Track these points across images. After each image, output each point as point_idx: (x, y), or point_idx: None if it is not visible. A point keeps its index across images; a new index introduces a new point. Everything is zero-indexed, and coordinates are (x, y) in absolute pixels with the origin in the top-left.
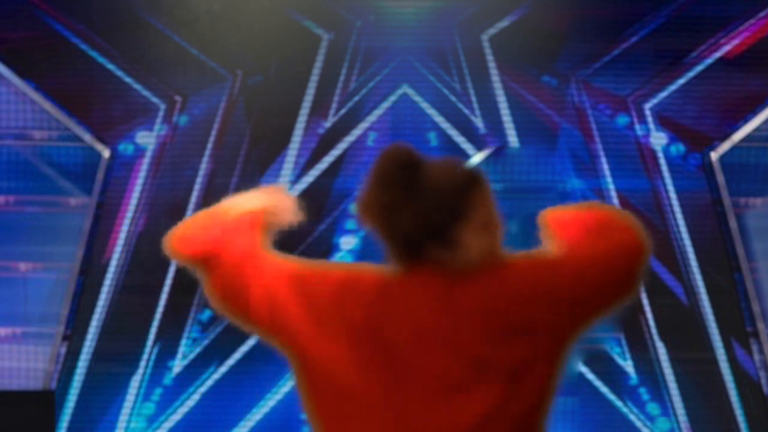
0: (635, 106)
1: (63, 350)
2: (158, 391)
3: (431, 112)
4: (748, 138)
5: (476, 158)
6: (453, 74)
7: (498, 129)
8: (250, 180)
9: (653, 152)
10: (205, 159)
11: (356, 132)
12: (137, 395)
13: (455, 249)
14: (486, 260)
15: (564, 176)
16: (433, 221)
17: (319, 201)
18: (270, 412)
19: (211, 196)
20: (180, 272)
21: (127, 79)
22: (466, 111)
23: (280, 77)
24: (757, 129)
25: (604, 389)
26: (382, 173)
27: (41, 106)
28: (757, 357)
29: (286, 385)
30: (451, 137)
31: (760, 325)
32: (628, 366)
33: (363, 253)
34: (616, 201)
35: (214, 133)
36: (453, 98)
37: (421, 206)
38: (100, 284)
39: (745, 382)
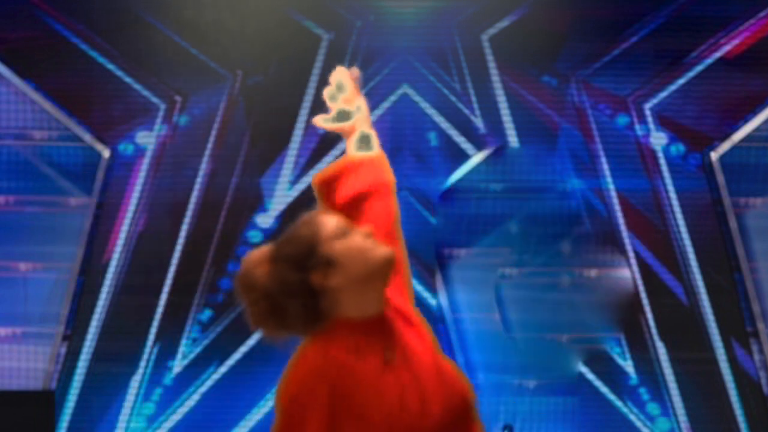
0: (635, 106)
1: (63, 350)
2: (158, 391)
3: (431, 112)
4: (748, 138)
5: (476, 158)
6: (453, 74)
7: (498, 129)
8: (250, 180)
9: (653, 152)
10: (205, 159)
11: None
12: (137, 395)
13: None
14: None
15: (564, 176)
16: None
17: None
18: (270, 412)
19: (211, 196)
20: (180, 272)
21: (127, 79)
22: (466, 111)
23: (280, 77)
24: (757, 129)
25: (604, 389)
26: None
27: (41, 106)
28: (757, 357)
29: None
30: (451, 137)
31: (760, 325)
32: (628, 366)
33: None
34: (616, 201)
35: (214, 133)
36: (453, 98)
37: None
38: (100, 284)
39: (745, 382)
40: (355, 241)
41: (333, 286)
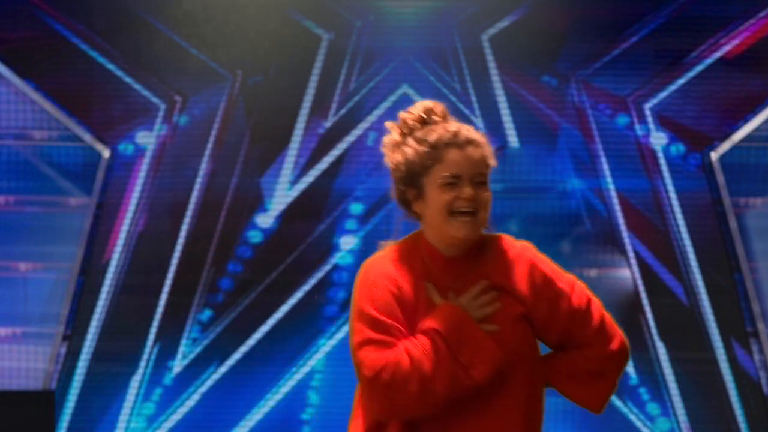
0: (635, 106)
1: (63, 350)
2: (158, 391)
3: None
4: (748, 138)
5: None
6: (453, 74)
7: (498, 129)
8: (250, 180)
9: (653, 152)
10: (205, 159)
11: (356, 132)
12: (137, 395)
13: None
14: None
15: (564, 176)
16: None
17: (319, 201)
18: (270, 412)
19: (211, 196)
20: (180, 272)
21: (127, 79)
22: (466, 111)
23: (280, 77)
24: (757, 129)
25: None
26: None
27: (41, 106)
28: (757, 357)
29: (286, 385)
30: None
31: (760, 325)
32: (628, 366)
33: (363, 253)
34: (616, 201)
35: (214, 133)
36: (453, 98)
37: None
38: (100, 284)
39: (745, 382)
40: (455, 204)
41: (416, 210)
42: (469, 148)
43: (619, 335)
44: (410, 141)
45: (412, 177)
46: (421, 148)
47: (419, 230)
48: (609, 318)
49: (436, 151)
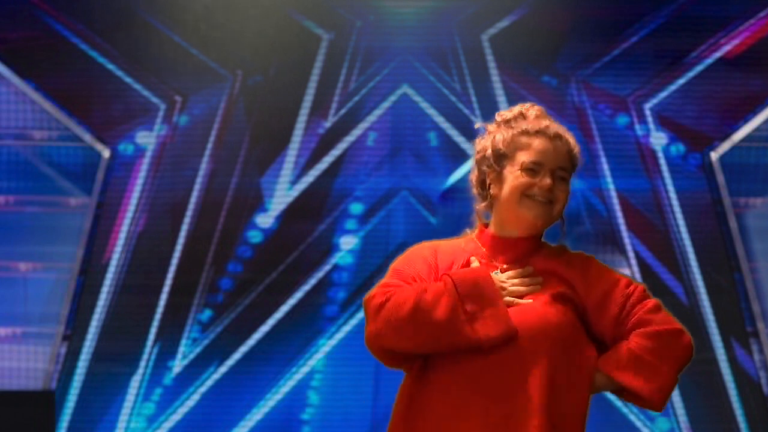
0: (635, 106)
1: (63, 350)
2: (158, 391)
3: (431, 112)
4: (748, 138)
5: None
6: (453, 74)
7: None
8: (250, 180)
9: (653, 152)
10: (205, 159)
11: (356, 132)
12: (137, 395)
13: None
14: None
15: None
16: None
17: (319, 201)
18: (270, 412)
19: (211, 196)
20: (180, 272)
21: (127, 79)
22: (466, 111)
23: (280, 77)
24: (757, 129)
25: None
26: None
27: (41, 106)
28: (757, 357)
29: (286, 385)
30: (451, 137)
31: (760, 325)
32: None
33: (363, 253)
34: (616, 201)
35: (214, 133)
36: (453, 98)
37: None
38: (100, 284)
39: (745, 382)
40: (532, 190)
41: (492, 192)
42: (557, 142)
43: (679, 325)
44: (502, 127)
45: (497, 158)
46: (511, 132)
47: (484, 222)
48: (671, 315)
49: (525, 137)
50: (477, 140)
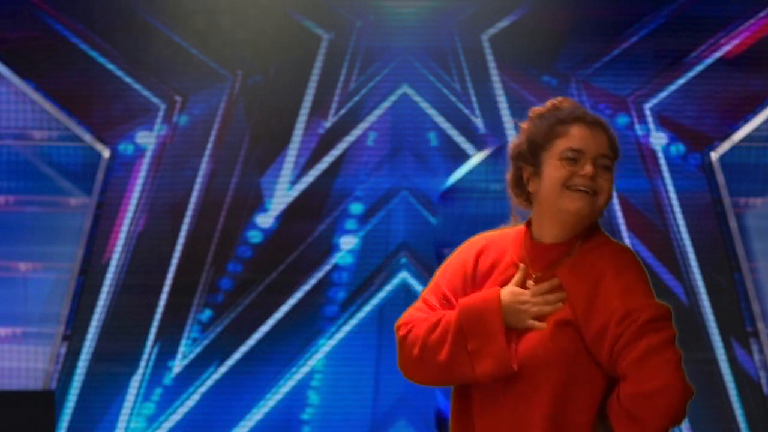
0: (635, 106)
1: (63, 350)
2: (158, 391)
3: (431, 112)
4: (748, 138)
5: (476, 158)
6: (453, 74)
7: (498, 129)
8: (250, 180)
9: (653, 152)
10: (205, 159)
11: (356, 132)
12: (137, 395)
13: None
14: None
15: None
16: None
17: (319, 201)
18: (270, 412)
19: (211, 196)
20: (180, 272)
21: (127, 79)
22: (466, 111)
23: (280, 77)
24: (757, 129)
25: None
26: None
27: (41, 106)
28: (757, 357)
29: (286, 385)
30: (451, 137)
31: (760, 325)
32: None
33: (363, 253)
34: (616, 201)
35: (214, 133)
36: (453, 98)
37: None
38: (100, 284)
39: (745, 382)
40: (573, 180)
41: (530, 189)
42: (597, 128)
43: (665, 379)
44: (536, 120)
45: (533, 151)
46: (547, 122)
47: (528, 219)
48: (667, 358)
49: (562, 125)
50: (510, 140)
